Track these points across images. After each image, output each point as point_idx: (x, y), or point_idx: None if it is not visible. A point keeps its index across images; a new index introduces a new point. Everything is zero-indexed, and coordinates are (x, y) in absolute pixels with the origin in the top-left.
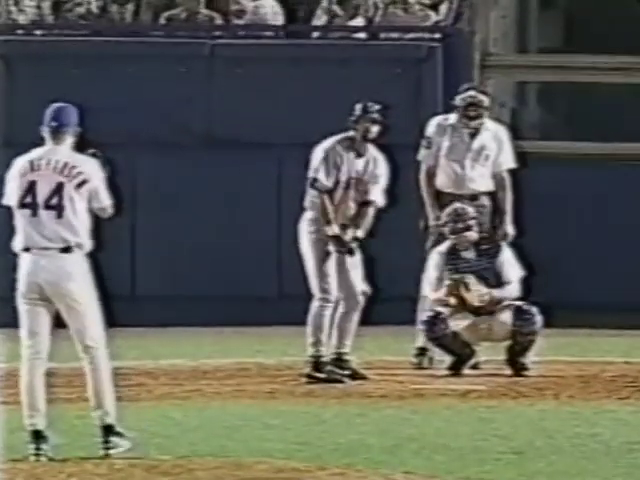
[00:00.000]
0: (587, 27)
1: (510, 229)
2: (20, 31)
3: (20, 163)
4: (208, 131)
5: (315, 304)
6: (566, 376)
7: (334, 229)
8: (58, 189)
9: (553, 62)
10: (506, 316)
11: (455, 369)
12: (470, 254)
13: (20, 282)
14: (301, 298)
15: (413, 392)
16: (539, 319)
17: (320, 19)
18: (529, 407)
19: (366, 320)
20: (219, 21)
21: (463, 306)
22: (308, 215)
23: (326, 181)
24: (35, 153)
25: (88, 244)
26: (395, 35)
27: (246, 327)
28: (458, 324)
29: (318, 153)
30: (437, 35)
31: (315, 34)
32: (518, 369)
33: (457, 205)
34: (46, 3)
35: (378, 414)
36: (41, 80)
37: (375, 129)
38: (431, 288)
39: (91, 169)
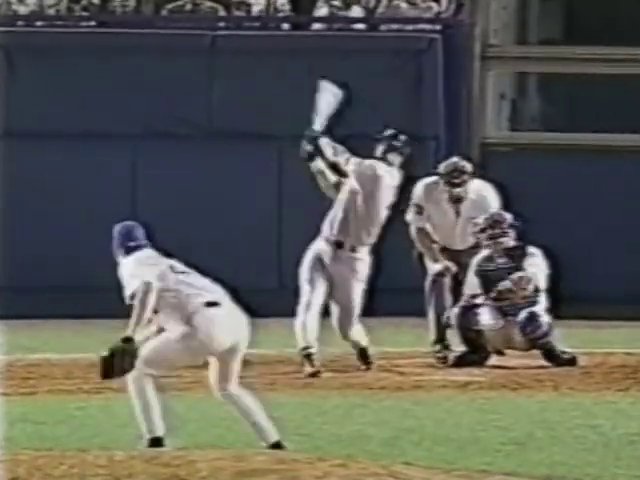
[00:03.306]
0: (587, 18)
1: None
2: (21, 22)
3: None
4: (209, 123)
5: None
6: (566, 367)
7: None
8: None
9: (553, 53)
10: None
11: (459, 365)
12: (502, 259)
13: None
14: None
15: (413, 383)
16: (546, 321)
17: (321, 10)
18: (529, 398)
19: (366, 312)
20: (222, 13)
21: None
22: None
23: None
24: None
25: None
26: (396, 26)
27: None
28: (491, 324)
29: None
30: (437, 27)
31: (316, 25)
32: (558, 363)
33: (494, 212)
34: None
35: (378, 405)
36: (42, 71)
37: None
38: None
39: None
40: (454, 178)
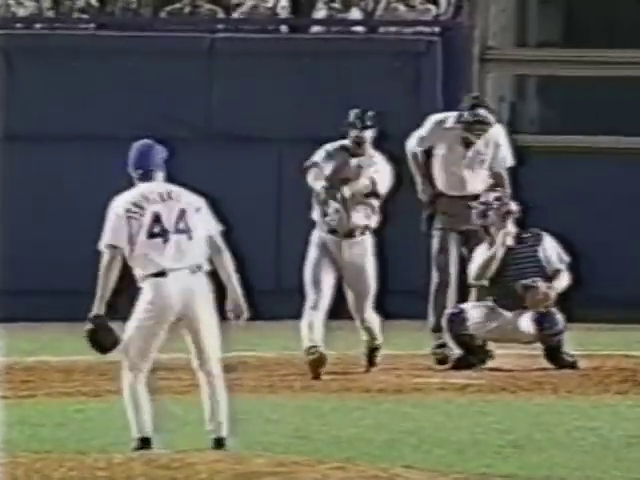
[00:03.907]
0: (586, 21)
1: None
2: (20, 24)
3: (129, 200)
4: (207, 125)
5: None
6: (565, 370)
7: None
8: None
9: (552, 56)
10: (530, 320)
11: (459, 367)
12: (511, 242)
13: None
14: (300, 292)
15: (412, 386)
16: (561, 319)
17: (320, 13)
18: (528, 401)
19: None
20: (221, 15)
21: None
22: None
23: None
24: (136, 191)
25: None
26: (394, 29)
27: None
28: (485, 325)
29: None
30: (436, 29)
31: (315, 28)
32: (561, 365)
33: (494, 193)
34: None
35: (377, 408)
36: (41, 74)
37: (368, 135)
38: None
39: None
40: (476, 130)
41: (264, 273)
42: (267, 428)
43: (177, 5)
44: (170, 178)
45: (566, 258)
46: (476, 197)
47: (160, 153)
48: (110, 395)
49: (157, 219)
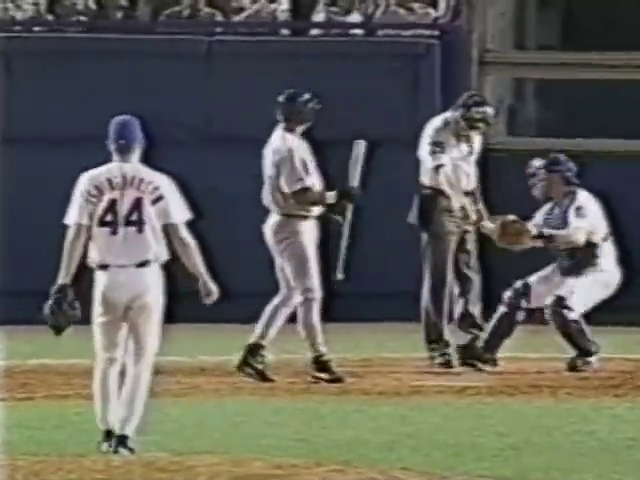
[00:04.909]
0: (584, 24)
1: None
2: (18, 27)
3: (92, 181)
4: (206, 127)
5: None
6: (563, 373)
7: None
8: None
9: (550, 59)
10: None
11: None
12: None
13: None
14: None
15: (410, 389)
16: (572, 315)
17: (319, 16)
18: (526, 404)
19: (363, 317)
20: (219, 18)
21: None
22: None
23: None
24: (106, 169)
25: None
26: (393, 32)
27: (244, 324)
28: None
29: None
30: (435, 32)
31: (314, 31)
32: (570, 368)
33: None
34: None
35: (376, 411)
36: (40, 77)
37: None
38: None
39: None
40: (478, 127)
41: (264, 274)
42: (266, 431)
43: (176, 8)
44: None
45: (580, 220)
46: (472, 193)
47: (139, 128)
48: None
49: (111, 207)
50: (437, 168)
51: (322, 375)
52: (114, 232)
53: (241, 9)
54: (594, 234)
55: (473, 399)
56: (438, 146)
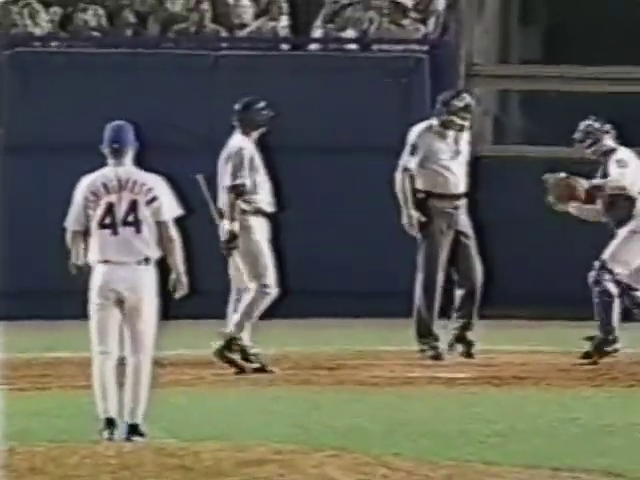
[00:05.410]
0: (565, 40)
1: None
2: (36, 43)
3: (89, 187)
4: (209, 135)
5: None
6: (544, 366)
7: None
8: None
9: (533, 72)
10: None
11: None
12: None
13: None
14: (299, 292)
15: (403, 380)
16: (609, 286)
17: (317, 32)
18: (511, 394)
19: (359, 313)
20: (224, 34)
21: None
22: None
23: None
24: (101, 174)
25: None
26: (386, 47)
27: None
28: None
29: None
30: (425, 47)
31: (313, 46)
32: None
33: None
34: (57, 16)
35: (370, 400)
36: (55, 89)
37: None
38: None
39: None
40: (462, 115)
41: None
42: (267, 419)
43: (183, 25)
44: (174, 185)
45: (620, 170)
46: (458, 197)
47: (132, 132)
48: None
49: (109, 210)
50: (404, 170)
51: (234, 357)
52: (114, 233)
53: (244, 25)
54: (634, 185)
55: (461, 389)
56: (413, 149)
